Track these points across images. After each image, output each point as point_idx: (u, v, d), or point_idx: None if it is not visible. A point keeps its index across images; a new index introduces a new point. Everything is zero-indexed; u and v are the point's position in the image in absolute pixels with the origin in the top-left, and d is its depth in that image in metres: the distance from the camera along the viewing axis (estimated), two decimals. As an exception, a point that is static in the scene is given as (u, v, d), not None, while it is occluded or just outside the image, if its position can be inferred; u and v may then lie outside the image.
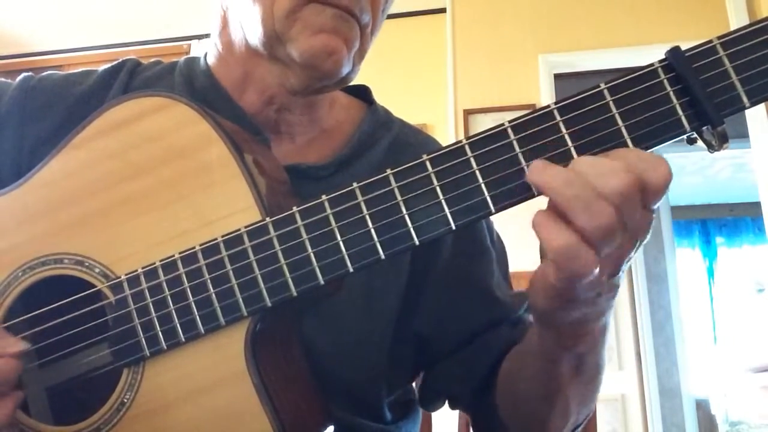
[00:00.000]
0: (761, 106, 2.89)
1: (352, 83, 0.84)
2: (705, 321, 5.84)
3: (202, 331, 0.54)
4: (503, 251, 0.83)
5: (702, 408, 4.67)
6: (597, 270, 0.46)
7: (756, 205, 3.15)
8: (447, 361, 0.76)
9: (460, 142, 0.50)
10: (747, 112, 0.48)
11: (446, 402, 0.80)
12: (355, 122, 0.80)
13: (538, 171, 0.47)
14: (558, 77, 3.36)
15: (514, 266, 0.85)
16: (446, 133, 3.28)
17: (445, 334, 0.76)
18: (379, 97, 0.87)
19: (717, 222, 6.28)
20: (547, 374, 0.60)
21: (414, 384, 0.86)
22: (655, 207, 0.48)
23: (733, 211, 6.22)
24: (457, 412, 1.16)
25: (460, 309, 0.76)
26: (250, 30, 0.70)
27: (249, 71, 0.73)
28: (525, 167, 0.49)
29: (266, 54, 0.70)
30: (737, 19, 2.97)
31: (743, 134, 2.97)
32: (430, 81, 3.57)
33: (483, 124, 3.17)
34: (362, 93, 0.85)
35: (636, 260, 3.79)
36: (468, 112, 3.27)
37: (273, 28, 0.67)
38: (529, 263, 0.86)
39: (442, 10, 3.56)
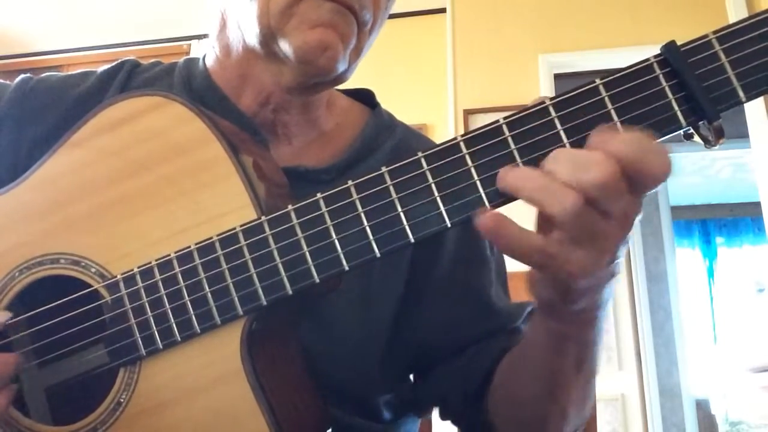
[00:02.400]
0: (761, 106, 2.89)
1: (354, 86, 0.84)
2: (705, 321, 5.84)
3: (198, 330, 0.54)
4: (503, 261, 0.82)
5: (702, 408, 4.67)
6: (584, 257, 0.46)
7: (756, 205, 3.14)
8: (440, 368, 0.76)
9: (455, 139, 0.50)
10: (747, 112, 0.48)
11: (434, 409, 0.79)
12: (358, 126, 0.80)
13: (502, 178, 0.48)
14: (558, 77, 3.36)
15: (513, 267, 0.84)
16: (446, 133, 3.28)
17: (442, 342, 0.75)
18: (379, 97, 0.86)
19: (717, 222, 6.28)
20: (550, 369, 0.60)
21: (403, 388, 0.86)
22: (647, 193, 0.47)
23: (733, 211, 6.22)
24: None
25: (458, 317, 0.75)
26: (247, 28, 0.69)
27: (246, 72, 0.73)
28: (520, 164, 0.49)
29: (262, 52, 0.70)
30: (737, 19, 2.96)
31: (743, 134, 2.96)
32: (430, 81, 3.57)
33: (483, 124, 3.16)
34: (365, 97, 0.85)
35: (636, 260, 3.79)
36: (468, 112, 3.27)
37: (268, 23, 0.67)
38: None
39: (442, 10, 3.56)
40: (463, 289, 0.76)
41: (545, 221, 0.47)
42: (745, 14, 2.92)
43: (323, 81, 0.71)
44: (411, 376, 0.82)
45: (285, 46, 0.67)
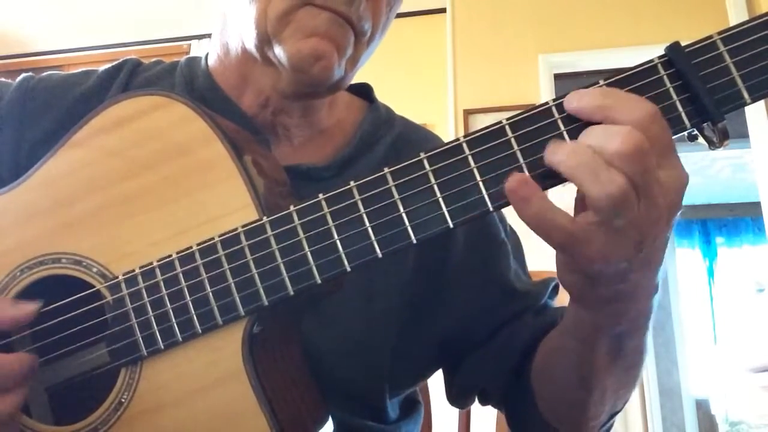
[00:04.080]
0: (761, 106, 2.89)
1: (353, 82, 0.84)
2: (705, 321, 5.84)
3: (200, 330, 0.54)
4: (518, 242, 0.82)
5: (702, 408, 4.67)
6: (606, 242, 0.45)
7: (756, 205, 3.15)
8: (474, 356, 0.76)
9: (458, 140, 0.50)
10: (747, 112, 0.48)
11: (476, 398, 0.79)
12: (357, 121, 0.80)
13: (552, 151, 0.47)
14: (558, 77, 3.36)
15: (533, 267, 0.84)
16: (446, 133, 3.28)
17: (469, 331, 0.75)
18: (380, 97, 0.86)
19: (717, 222, 6.28)
20: (582, 358, 0.58)
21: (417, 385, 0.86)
22: (672, 167, 0.46)
23: (733, 211, 6.21)
24: (456, 412, 1.16)
25: (482, 306, 0.75)
26: (245, 32, 0.69)
27: (245, 74, 0.73)
28: (523, 165, 0.49)
29: (258, 56, 0.70)
30: (737, 19, 2.97)
31: (743, 134, 2.96)
32: (430, 81, 3.58)
33: (483, 124, 3.11)
34: (363, 91, 0.85)
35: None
36: (468, 112, 3.28)
37: (265, 29, 0.67)
38: (541, 262, 0.86)
39: (442, 10, 3.56)
40: (482, 276, 0.76)
41: (581, 201, 0.46)
42: (745, 14, 2.92)
43: (318, 90, 0.71)
44: (423, 372, 0.82)
45: (280, 53, 0.67)
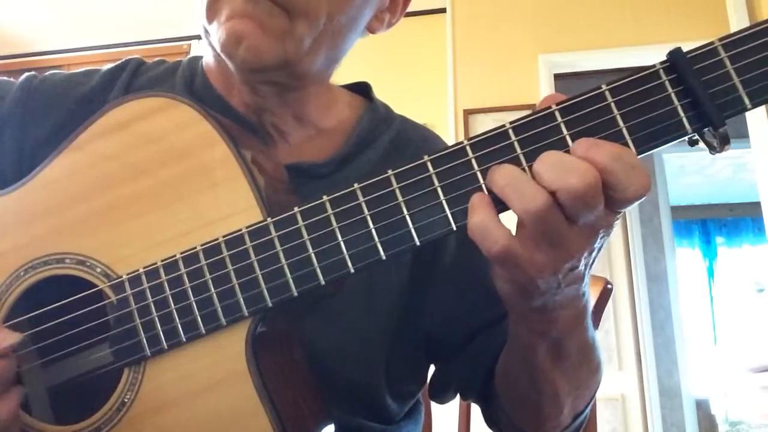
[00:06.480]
0: (761, 107, 2.90)
1: (352, 81, 0.84)
2: (705, 321, 5.85)
3: (203, 331, 0.54)
4: None
5: (702, 408, 4.67)
6: (528, 257, 0.48)
7: (756, 205, 3.15)
8: (455, 358, 0.76)
9: (462, 143, 0.50)
10: (747, 112, 0.48)
11: (457, 394, 0.81)
12: (356, 119, 0.80)
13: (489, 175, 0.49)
14: (558, 77, 3.37)
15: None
16: (446, 133, 3.28)
17: (453, 331, 0.76)
18: (380, 97, 0.87)
19: (717, 222, 6.29)
20: (526, 362, 0.61)
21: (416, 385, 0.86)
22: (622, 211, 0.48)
23: (733, 211, 6.22)
24: (456, 412, 1.16)
25: (467, 306, 0.75)
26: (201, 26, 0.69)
27: (224, 71, 0.72)
28: (526, 168, 0.49)
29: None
30: (737, 19, 2.97)
31: (743, 134, 2.97)
32: (430, 81, 3.57)
33: (483, 124, 3.18)
34: (363, 90, 0.85)
35: (636, 260, 3.79)
36: (468, 112, 3.27)
37: (204, 21, 0.66)
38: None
39: (442, 10, 3.56)
40: (470, 277, 0.76)
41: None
42: (745, 15, 2.92)
43: (272, 78, 0.69)
44: (418, 368, 0.83)
45: (214, 42, 0.66)
